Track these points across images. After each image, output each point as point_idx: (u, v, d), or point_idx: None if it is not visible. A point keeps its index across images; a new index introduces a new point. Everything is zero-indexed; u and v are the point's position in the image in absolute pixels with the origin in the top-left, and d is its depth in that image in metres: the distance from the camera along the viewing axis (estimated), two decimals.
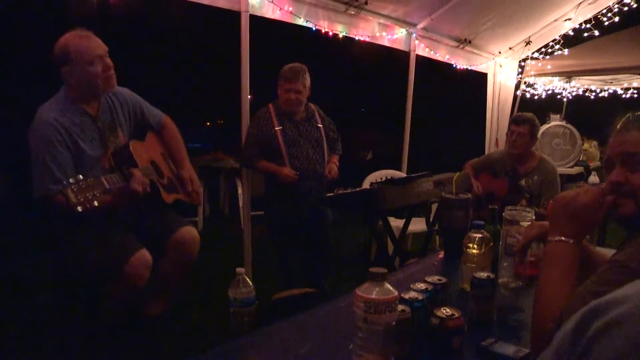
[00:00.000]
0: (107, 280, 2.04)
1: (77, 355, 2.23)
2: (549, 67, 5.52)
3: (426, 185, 2.94)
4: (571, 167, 5.65)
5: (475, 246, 1.50)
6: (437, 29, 4.62)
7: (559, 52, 5.33)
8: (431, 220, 3.08)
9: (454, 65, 5.08)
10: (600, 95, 7.32)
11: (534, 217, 1.61)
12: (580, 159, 5.88)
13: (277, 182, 3.00)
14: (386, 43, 4.21)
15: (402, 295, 1.13)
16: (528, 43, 5.40)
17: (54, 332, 2.52)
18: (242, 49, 3.06)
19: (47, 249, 2.34)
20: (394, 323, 0.98)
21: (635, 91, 7.14)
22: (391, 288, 0.99)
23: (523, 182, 3.16)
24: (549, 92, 6.72)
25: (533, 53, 5.55)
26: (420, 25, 4.44)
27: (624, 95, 7.27)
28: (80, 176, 1.71)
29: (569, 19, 5.06)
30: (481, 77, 5.79)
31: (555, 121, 5.74)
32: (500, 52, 5.61)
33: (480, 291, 1.29)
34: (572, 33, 5.21)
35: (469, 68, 5.31)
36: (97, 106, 2.12)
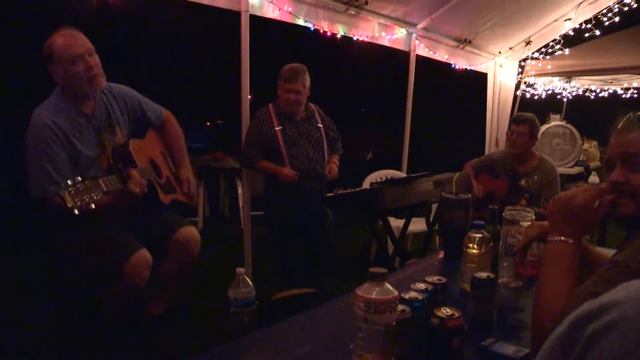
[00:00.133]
0: (107, 280, 2.04)
1: (77, 355, 2.22)
2: (549, 67, 5.52)
3: (426, 185, 2.94)
4: (571, 167, 5.65)
5: (475, 246, 1.51)
6: (437, 29, 4.62)
7: (559, 52, 5.32)
8: (431, 220, 3.07)
9: (454, 66, 5.08)
10: (600, 95, 7.31)
11: (534, 217, 1.61)
12: (580, 159, 5.87)
13: (277, 182, 3.00)
14: (386, 43, 4.21)
15: (402, 295, 1.13)
16: (528, 43, 5.40)
17: (54, 332, 2.52)
18: (242, 49, 3.06)
19: (47, 249, 2.34)
20: (394, 323, 0.98)
21: (635, 91, 7.13)
22: (391, 288, 1.00)
23: (523, 182, 3.16)
24: (549, 92, 6.72)
25: (533, 53, 5.54)
26: (420, 25, 4.44)
27: (624, 95, 7.26)
28: (79, 177, 1.71)
29: (569, 19, 5.06)
30: (481, 77, 5.79)
31: (555, 121, 5.74)
32: (500, 52, 5.61)
33: (480, 291, 1.29)
34: (572, 33, 5.21)
35: (469, 68, 5.31)
36: (92, 105, 2.10)
